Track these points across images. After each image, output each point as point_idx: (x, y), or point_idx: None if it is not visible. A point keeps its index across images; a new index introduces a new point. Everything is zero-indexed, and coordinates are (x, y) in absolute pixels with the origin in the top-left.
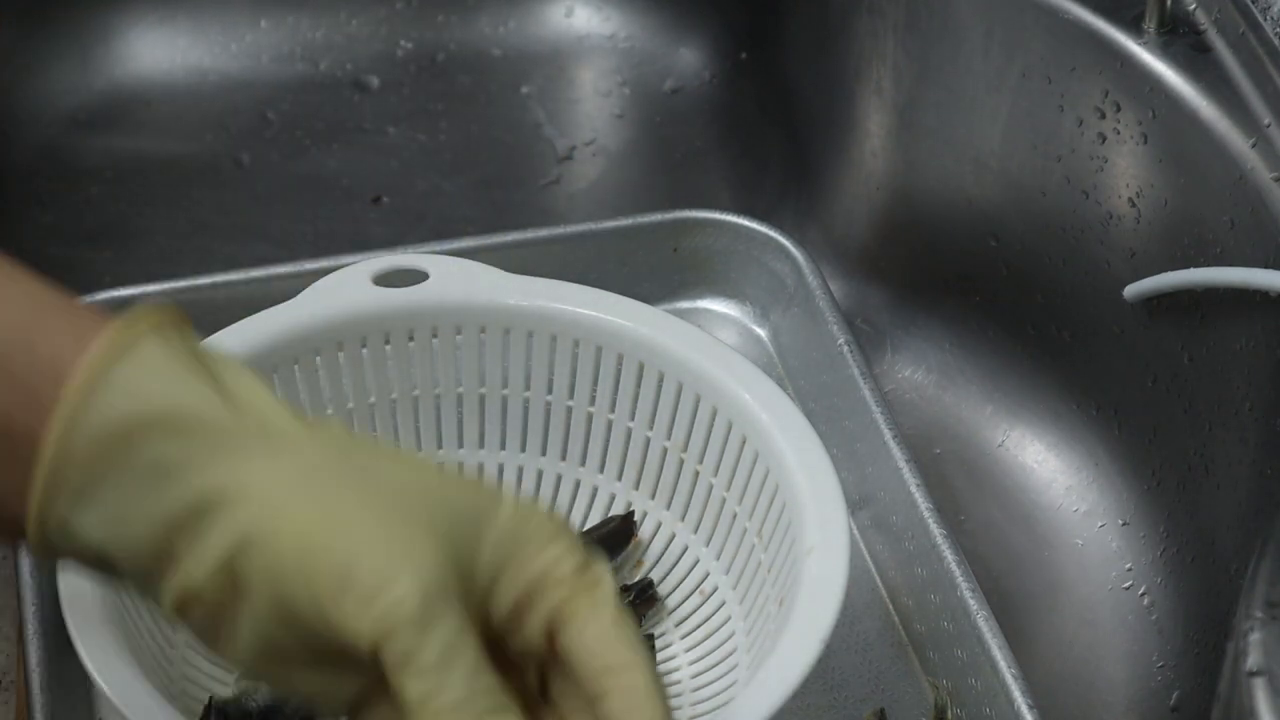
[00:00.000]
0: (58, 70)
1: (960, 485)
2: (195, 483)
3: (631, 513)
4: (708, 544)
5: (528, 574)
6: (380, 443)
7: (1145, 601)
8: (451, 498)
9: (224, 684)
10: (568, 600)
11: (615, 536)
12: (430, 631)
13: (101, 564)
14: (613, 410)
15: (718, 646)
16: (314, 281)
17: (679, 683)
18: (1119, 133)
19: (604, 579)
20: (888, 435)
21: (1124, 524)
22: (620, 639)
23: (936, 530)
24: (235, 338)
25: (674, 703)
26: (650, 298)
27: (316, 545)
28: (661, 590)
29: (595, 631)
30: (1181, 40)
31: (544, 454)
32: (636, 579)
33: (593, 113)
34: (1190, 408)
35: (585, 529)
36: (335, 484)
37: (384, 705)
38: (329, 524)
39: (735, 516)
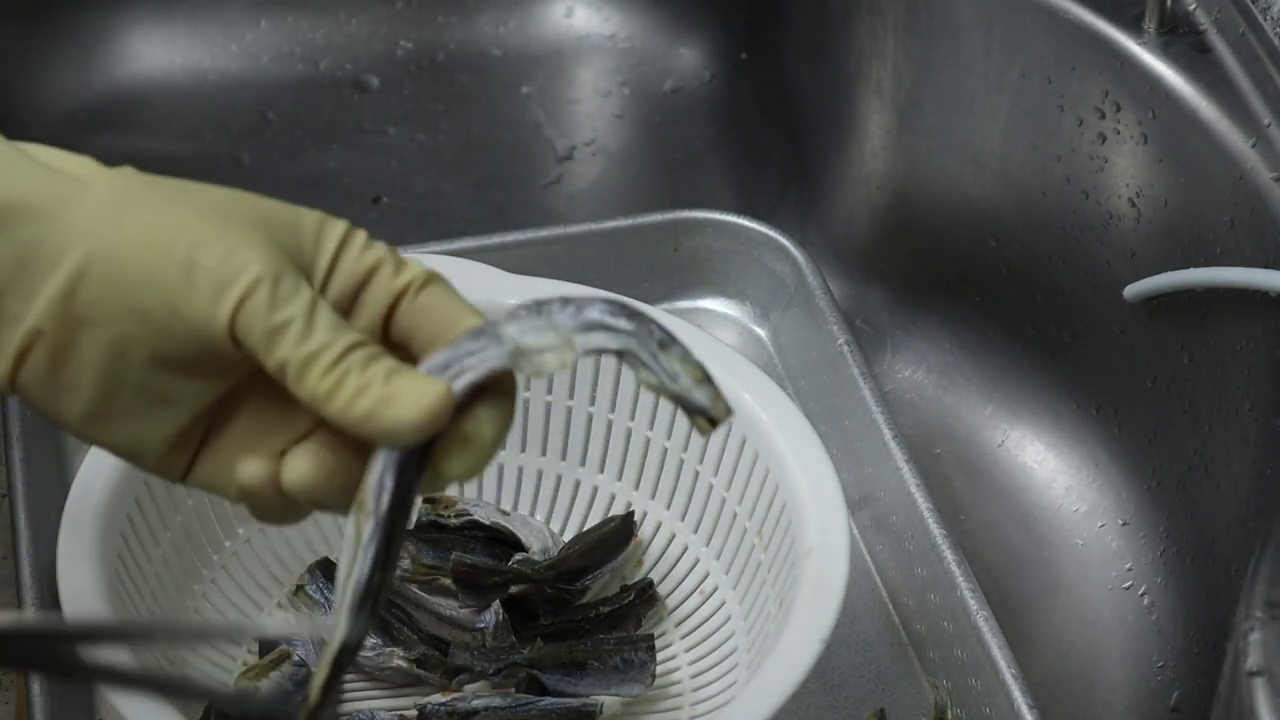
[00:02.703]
0: (58, 70)
1: (960, 485)
2: (22, 235)
3: (631, 513)
4: (708, 544)
5: (356, 267)
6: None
7: (1145, 601)
8: (264, 208)
9: (223, 683)
10: (393, 282)
11: (615, 536)
12: (289, 302)
13: None
14: (613, 410)
15: (718, 646)
16: None
17: (679, 683)
18: (1119, 133)
19: (413, 262)
20: (888, 435)
21: (1124, 524)
22: (452, 298)
23: (936, 530)
24: None
25: (674, 702)
26: (650, 298)
27: (157, 248)
28: (661, 590)
29: (427, 298)
30: (1181, 40)
31: (544, 454)
32: (636, 579)
33: (593, 113)
34: (1190, 408)
35: (585, 529)
36: (157, 200)
37: (219, 434)
38: (162, 230)
39: (735, 516)
